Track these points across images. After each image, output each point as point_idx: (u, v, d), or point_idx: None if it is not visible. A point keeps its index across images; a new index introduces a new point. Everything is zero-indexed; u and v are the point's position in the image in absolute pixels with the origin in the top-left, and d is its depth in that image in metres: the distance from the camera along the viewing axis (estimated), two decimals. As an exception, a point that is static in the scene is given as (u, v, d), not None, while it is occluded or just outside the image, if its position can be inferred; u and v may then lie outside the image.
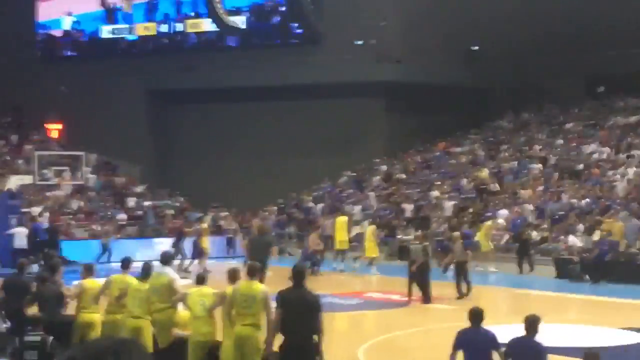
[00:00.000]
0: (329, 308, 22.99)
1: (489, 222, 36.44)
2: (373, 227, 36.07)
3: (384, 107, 53.10)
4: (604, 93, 50.44)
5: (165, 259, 16.55)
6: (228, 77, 52.90)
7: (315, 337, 12.93)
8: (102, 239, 38.56)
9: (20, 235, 36.12)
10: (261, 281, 22.37)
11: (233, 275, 14.68)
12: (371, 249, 34.36)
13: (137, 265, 16.51)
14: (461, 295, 25.81)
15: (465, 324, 12.47)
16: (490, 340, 12.08)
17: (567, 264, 32.52)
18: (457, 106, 52.34)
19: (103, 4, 56.17)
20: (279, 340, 13.12)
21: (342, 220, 36.14)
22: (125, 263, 16.51)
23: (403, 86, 51.48)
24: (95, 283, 16.33)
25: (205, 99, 54.14)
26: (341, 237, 35.45)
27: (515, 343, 11.89)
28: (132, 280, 15.86)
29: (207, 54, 54.15)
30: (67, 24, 57.38)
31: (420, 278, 25.57)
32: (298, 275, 13.24)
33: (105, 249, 37.66)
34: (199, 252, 33.75)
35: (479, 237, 35.14)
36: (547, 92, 52.12)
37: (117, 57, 55.34)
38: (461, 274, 26.48)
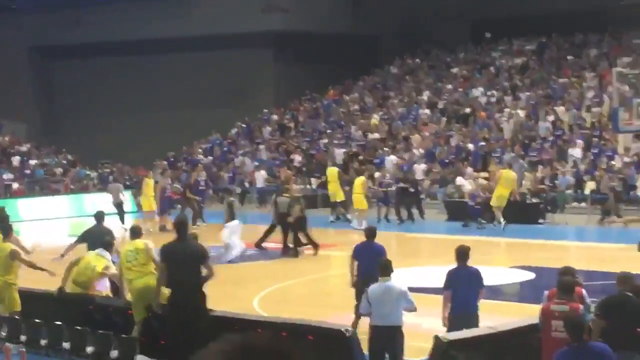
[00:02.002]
0: (224, 259, 23.00)
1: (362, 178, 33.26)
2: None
3: (272, 57, 52.86)
4: (490, 37, 50.99)
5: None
6: (113, 30, 51.90)
7: (203, 290, 12.85)
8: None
9: None
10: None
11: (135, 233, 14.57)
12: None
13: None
14: (316, 247, 24.96)
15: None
16: (378, 251, 14.47)
17: (457, 207, 32.90)
18: (345, 54, 52.30)
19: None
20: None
21: (332, 172, 35.02)
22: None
23: (290, 35, 51.26)
24: None
25: (89, 54, 53.19)
26: (333, 189, 33.74)
27: (454, 273, 13.07)
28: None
29: (90, 8, 53.05)
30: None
31: (299, 230, 25.14)
32: (181, 227, 13.11)
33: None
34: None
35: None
36: (433, 37, 52.46)
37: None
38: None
